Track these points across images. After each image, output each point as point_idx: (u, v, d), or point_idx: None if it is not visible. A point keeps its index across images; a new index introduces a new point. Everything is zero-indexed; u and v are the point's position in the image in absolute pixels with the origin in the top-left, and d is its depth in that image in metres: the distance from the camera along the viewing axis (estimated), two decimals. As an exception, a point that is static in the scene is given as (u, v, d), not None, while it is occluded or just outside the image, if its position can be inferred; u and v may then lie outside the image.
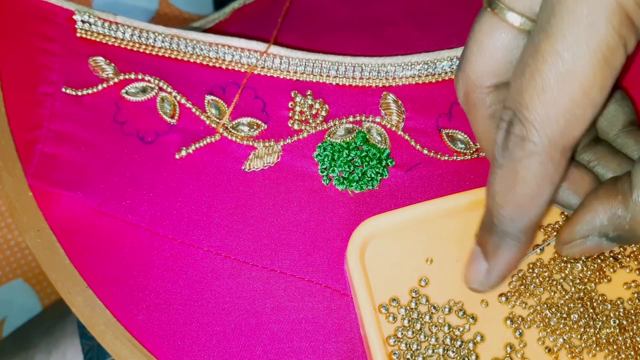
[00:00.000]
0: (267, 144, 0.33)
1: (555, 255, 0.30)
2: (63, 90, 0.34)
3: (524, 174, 0.23)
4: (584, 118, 0.22)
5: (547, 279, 0.30)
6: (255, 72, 0.34)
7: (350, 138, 0.33)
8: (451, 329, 0.29)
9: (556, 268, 0.30)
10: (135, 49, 0.34)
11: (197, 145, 0.33)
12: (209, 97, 0.34)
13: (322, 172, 0.33)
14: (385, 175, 0.32)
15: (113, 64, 0.34)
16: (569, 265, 0.30)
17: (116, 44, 0.34)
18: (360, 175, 0.32)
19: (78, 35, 0.35)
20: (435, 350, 0.29)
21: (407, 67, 0.33)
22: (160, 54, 0.34)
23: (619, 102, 0.29)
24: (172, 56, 0.34)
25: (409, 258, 0.30)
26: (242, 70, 0.34)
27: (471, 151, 0.32)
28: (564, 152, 0.23)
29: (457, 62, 0.33)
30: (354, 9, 0.39)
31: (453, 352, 0.29)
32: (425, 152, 0.33)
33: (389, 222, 0.30)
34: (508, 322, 0.30)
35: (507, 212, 0.25)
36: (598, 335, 0.29)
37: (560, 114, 0.22)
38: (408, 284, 0.30)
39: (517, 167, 0.23)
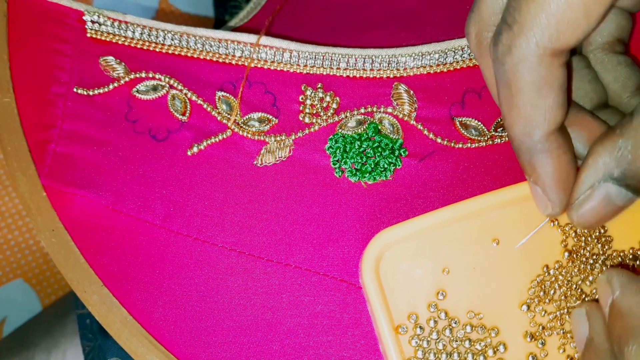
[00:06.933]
0: (278, 139, 0.33)
1: (574, 256, 0.29)
2: (75, 90, 0.34)
3: (518, 84, 0.23)
4: (578, 25, 0.22)
5: (566, 282, 0.29)
6: (265, 66, 0.34)
7: (362, 129, 0.33)
8: (472, 344, 0.29)
9: (575, 270, 0.29)
10: (145, 47, 0.34)
11: (209, 142, 0.33)
12: (219, 94, 0.34)
13: (334, 164, 0.33)
14: (399, 165, 0.32)
15: (123, 63, 0.34)
16: (588, 267, 0.29)
17: (126, 43, 0.35)
18: (373, 166, 0.32)
19: (88, 35, 0.35)
20: None
21: (418, 57, 0.33)
22: (170, 51, 0.34)
23: (630, 67, 0.28)
24: (182, 53, 0.34)
25: (426, 269, 0.30)
26: (253, 65, 0.34)
27: (485, 138, 0.32)
28: (555, 55, 0.22)
29: (468, 50, 0.32)
30: (339, 16, 0.39)
31: None
32: (439, 140, 0.32)
33: (402, 232, 0.29)
34: (530, 332, 0.29)
35: (519, 129, 0.24)
36: None
37: (551, 15, 0.21)
38: (426, 298, 0.30)
39: (510, 78, 0.23)
